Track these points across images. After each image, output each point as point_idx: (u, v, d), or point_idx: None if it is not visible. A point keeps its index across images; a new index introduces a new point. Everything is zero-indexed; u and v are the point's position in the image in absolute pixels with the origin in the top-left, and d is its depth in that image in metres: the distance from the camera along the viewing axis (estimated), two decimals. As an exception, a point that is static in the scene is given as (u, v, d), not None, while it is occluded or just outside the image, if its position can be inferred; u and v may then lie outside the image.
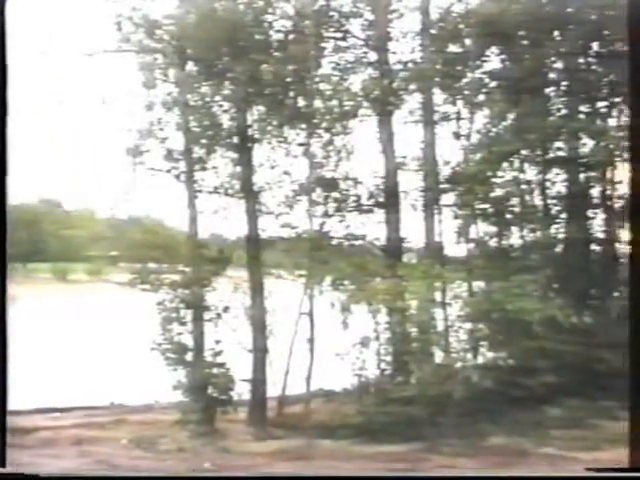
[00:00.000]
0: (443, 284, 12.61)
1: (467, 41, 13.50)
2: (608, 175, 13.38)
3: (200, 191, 13.63)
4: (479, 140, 13.40)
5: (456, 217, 12.99)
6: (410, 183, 13.41)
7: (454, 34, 13.49)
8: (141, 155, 13.52)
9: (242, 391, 13.39)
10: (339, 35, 13.99)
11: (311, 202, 13.33)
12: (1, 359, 3.98)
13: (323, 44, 13.90)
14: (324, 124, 13.30)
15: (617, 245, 13.35)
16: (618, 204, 13.31)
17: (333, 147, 13.38)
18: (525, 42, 13.56)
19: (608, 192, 13.37)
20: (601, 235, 13.31)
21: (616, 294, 13.36)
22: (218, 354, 13.31)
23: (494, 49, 13.79)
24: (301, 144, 13.63)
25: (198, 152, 13.67)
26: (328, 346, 12.92)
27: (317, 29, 13.60)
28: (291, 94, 13.83)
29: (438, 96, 13.54)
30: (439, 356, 12.57)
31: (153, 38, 13.54)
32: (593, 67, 13.33)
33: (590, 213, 13.29)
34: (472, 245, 13.35)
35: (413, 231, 13.33)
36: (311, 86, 13.39)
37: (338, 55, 13.97)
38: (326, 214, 13.42)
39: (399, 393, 12.35)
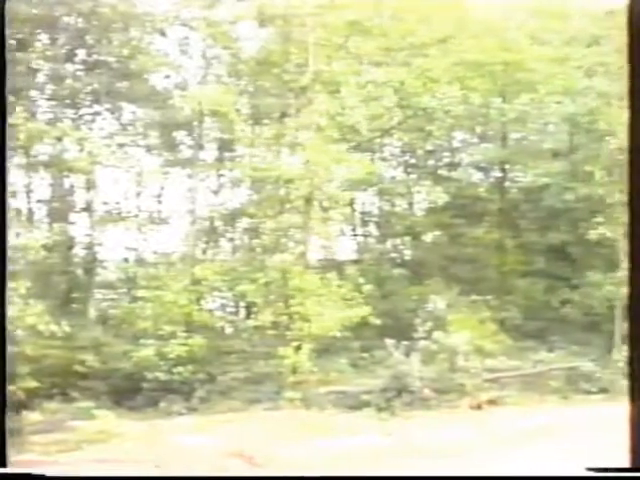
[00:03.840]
0: None
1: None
2: (92, 180, 13.68)
3: None
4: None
5: None
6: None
7: None
8: None
9: None
10: None
11: None
12: (1, 358, 3.91)
13: None
14: None
15: (97, 249, 13.72)
16: (102, 209, 13.68)
17: None
18: (12, 42, 13.30)
19: (90, 197, 13.69)
20: (83, 239, 13.57)
21: (97, 297, 13.75)
22: None
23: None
24: None
25: None
26: None
27: None
28: None
29: None
30: None
31: None
32: (79, 74, 13.53)
33: (73, 217, 13.48)
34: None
35: None
36: None
37: None
38: None
39: None
